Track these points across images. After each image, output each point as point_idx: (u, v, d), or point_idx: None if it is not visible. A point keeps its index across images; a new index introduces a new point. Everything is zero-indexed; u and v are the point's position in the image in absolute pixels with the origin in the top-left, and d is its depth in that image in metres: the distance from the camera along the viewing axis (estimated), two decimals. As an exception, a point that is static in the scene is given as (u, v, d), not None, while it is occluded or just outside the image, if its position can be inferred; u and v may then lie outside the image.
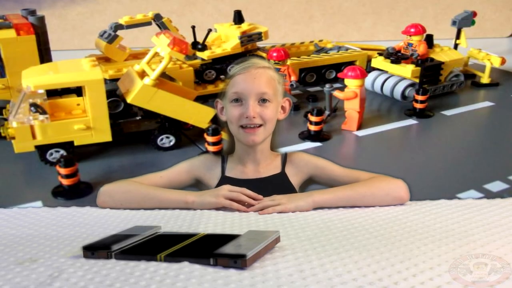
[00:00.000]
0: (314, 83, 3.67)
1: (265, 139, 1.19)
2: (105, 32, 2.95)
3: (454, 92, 3.52)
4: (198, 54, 3.23)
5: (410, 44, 3.40)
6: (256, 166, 1.22)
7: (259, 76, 1.14)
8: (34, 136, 2.31)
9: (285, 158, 1.24)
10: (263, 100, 1.14)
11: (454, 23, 3.86)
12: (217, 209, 1.06)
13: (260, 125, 1.14)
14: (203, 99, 3.09)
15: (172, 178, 1.21)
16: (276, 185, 1.20)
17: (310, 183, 1.24)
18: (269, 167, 1.22)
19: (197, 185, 1.24)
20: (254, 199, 1.06)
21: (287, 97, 1.25)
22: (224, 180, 1.21)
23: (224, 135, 2.39)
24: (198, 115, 2.53)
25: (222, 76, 3.29)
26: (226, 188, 1.07)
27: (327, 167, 1.22)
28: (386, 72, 3.42)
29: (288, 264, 0.70)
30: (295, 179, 1.21)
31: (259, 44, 3.54)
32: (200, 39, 3.26)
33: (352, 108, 2.82)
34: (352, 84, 2.78)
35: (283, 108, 1.22)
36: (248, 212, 1.04)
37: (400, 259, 0.73)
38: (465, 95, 3.50)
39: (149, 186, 1.13)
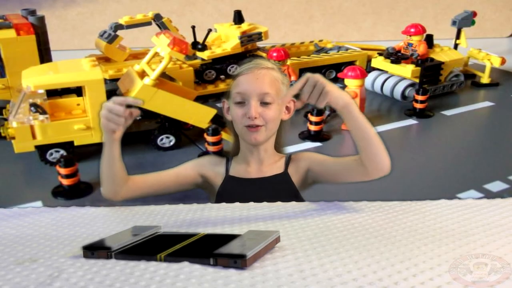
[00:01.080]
0: (314, 83, 3.66)
1: (268, 139, 1.20)
2: (105, 32, 2.95)
3: (454, 92, 3.52)
4: (198, 54, 3.23)
5: (410, 44, 3.40)
6: (259, 165, 1.22)
7: (262, 77, 1.15)
8: (34, 136, 2.31)
9: (289, 158, 1.25)
10: (265, 101, 1.14)
11: (454, 23, 3.86)
12: (217, 206, 1.06)
13: (262, 126, 1.15)
14: (203, 99, 3.09)
15: (178, 173, 1.23)
16: (278, 184, 1.21)
17: (310, 180, 1.24)
18: (272, 167, 1.23)
19: (203, 183, 1.25)
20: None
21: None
22: (228, 179, 1.22)
23: (224, 135, 2.40)
24: (198, 115, 2.53)
25: (222, 76, 3.29)
26: (102, 114, 1.02)
27: (321, 157, 1.24)
28: (386, 72, 3.42)
29: (288, 264, 0.70)
30: (296, 176, 1.22)
31: (259, 44, 3.54)
32: (200, 39, 3.26)
33: (352, 108, 2.82)
34: (352, 84, 2.78)
35: (287, 108, 1.23)
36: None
37: (400, 259, 0.73)
38: (465, 95, 3.50)
39: None
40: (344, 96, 1.06)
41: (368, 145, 1.07)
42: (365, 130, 1.07)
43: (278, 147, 1.27)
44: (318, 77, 1.01)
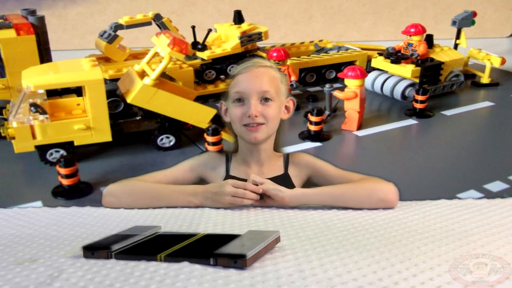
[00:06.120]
0: (314, 83, 3.67)
1: (268, 138, 1.19)
2: (105, 32, 2.95)
3: (454, 92, 3.52)
4: (198, 54, 3.23)
5: (410, 44, 3.39)
6: (259, 167, 1.22)
7: (261, 75, 1.14)
8: (34, 136, 2.31)
9: (287, 158, 1.24)
10: (265, 99, 1.14)
11: (454, 23, 3.86)
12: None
13: (263, 124, 1.15)
14: (203, 99, 3.09)
15: (176, 176, 1.22)
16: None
17: (310, 184, 1.24)
18: (272, 168, 1.22)
19: (201, 183, 1.24)
20: (256, 192, 1.07)
21: (291, 97, 1.25)
22: (229, 179, 1.21)
23: (224, 135, 2.39)
24: (198, 115, 2.53)
25: (222, 76, 3.29)
26: (229, 192, 1.06)
27: (323, 167, 1.22)
28: (386, 72, 3.42)
29: (288, 264, 0.70)
30: (297, 179, 1.22)
31: (259, 44, 3.54)
32: (200, 39, 3.26)
33: (352, 108, 2.82)
34: (352, 84, 2.78)
35: (287, 108, 1.22)
36: (252, 204, 1.05)
37: (400, 259, 0.73)
38: (465, 95, 3.50)
39: (155, 186, 1.13)
40: (286, 190, 1.07)
41: (351, 201, 1.07)
42: (335, 196, 1.07)
43: (277, 148, 1.27)
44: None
